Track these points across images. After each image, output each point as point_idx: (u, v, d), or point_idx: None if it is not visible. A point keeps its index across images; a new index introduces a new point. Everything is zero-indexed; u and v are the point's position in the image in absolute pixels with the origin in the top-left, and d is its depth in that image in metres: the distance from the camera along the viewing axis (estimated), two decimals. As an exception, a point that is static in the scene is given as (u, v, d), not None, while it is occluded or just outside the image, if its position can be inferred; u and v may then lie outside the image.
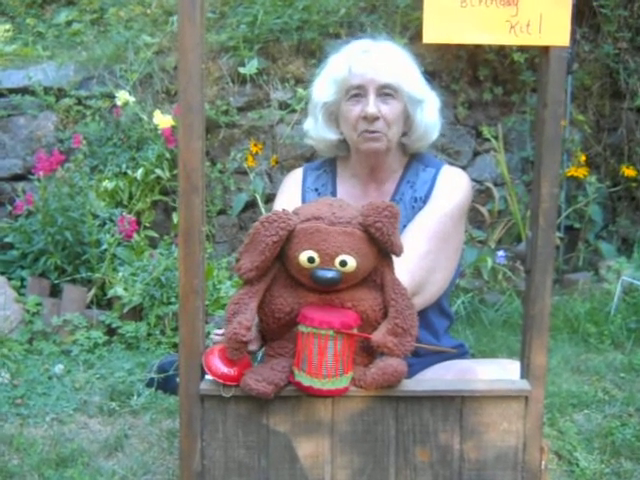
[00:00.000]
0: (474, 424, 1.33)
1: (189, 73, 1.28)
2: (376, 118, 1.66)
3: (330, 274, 1.25)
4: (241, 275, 1.29)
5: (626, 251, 3.67)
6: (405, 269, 1.35)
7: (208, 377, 1.31)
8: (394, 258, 1.34)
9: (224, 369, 1.29)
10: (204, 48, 1.30)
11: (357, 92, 1.68)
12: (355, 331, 1.27)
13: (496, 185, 3.72)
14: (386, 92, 1.68)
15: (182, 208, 1.30)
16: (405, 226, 1.69)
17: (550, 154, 1.32)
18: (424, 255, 1.61)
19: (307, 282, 1.29)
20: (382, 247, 1.29)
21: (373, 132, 1.68)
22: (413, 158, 1.81)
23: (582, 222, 3.65)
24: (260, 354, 2.51)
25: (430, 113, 1.75)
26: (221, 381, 1.29)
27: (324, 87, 1.75)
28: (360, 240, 1.27)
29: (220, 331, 1.55)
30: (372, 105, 1.66)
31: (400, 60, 1.72)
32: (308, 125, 1.83)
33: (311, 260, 1.26)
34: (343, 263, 1.25)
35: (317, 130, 1.80)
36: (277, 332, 1.34)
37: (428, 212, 1.70)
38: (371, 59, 1.68)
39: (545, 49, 1.28)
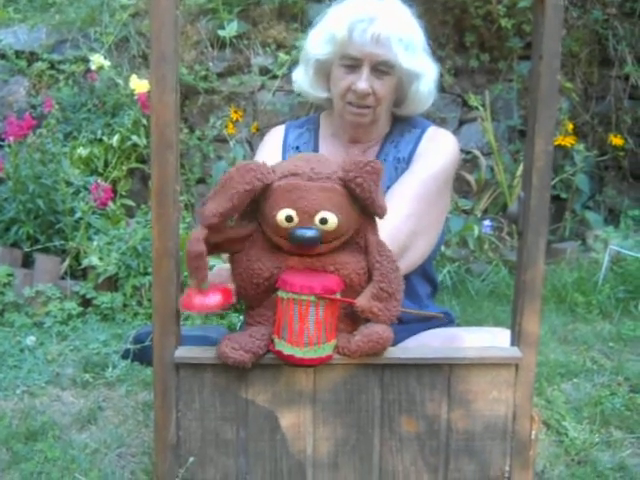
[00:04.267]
0: (462, 393, 1.28)
1: (162, 19, 1.19)
2: (367, 94, 1.61)
3: (310, 233, 1.17)
4: (204, 219, 1.19)
5: (613, 221, 3.63)
6: (385, 232, 1.28)
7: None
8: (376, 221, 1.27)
9: (205, 300, 1.20)
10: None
11: (352, 63, 1.62)
12: (338, 296, 1.20)
13: (483, 154, 3.66)
14: (382, 69, 1.61)
15: (155, 166, 1.22)
16: (389, 187, 1.63)
17: (545, 109, 1.25)
18: (406, 218, 1.54)
19: (285, 245, 1.21)
20: (363, 205, 1.21)
21: (360, 107, 1.63)
22: (400, 118, 1.75)
23: (569, 192, 3.61)
24: (239, 324, 2.43)
25: (426, 86, 1.69)
26: (205, 310, 1.21)
27: (319, 42, 1.67)
28: (341, 196, 1.19)
29: (225, 266, 1.43)
30: (364, 81, 1.60)
31: (404, 32, 1.61)
32: (298, 75, 1.76)
33: (289, 219, 1.18)
34: (323, 221, 1.18)
35: (306, 83, 1.74)
36: (256, 299, 1.27)
37: (411, 174, 1.64)
38: (375, 30, 1.58)
39: (541, -4, 1.21)
